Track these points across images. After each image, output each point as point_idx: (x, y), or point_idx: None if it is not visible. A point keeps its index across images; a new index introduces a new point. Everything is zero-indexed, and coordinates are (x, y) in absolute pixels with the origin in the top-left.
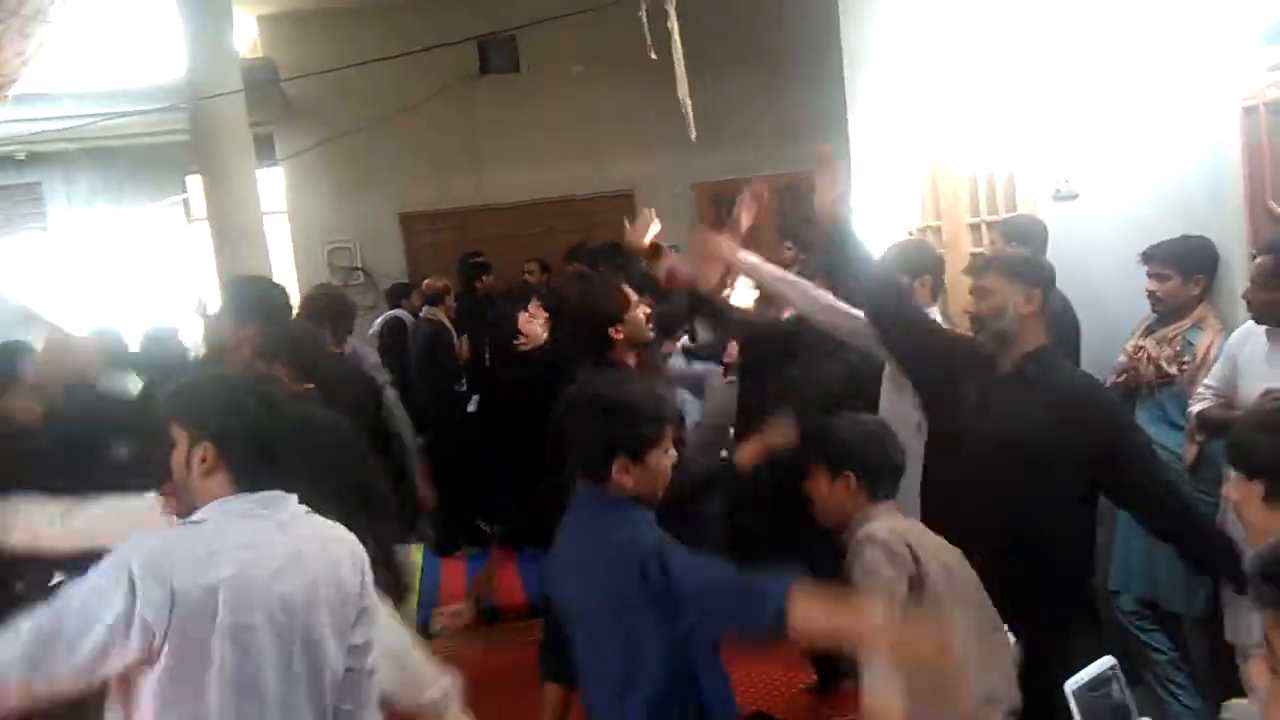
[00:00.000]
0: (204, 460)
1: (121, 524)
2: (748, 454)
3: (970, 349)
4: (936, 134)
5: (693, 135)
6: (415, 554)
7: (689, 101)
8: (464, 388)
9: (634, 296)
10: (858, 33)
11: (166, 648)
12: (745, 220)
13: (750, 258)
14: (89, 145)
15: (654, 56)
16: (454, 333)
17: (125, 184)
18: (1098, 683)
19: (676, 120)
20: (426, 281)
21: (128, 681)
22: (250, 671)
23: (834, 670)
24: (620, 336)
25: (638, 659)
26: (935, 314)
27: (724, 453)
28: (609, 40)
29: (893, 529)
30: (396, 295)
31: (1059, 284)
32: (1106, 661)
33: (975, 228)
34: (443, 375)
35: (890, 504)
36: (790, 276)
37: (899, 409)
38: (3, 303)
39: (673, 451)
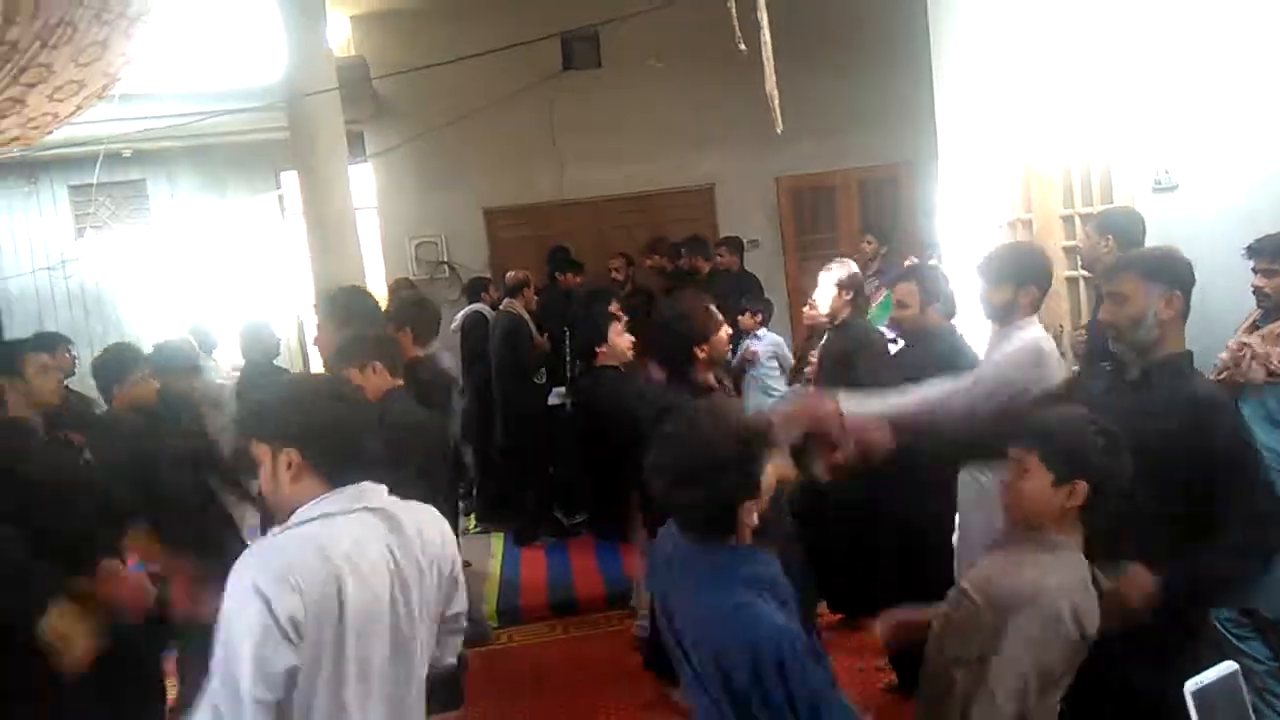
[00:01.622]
0: (289, 466)
1: None
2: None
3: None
4: (1029, 123)
5: (779, 128)
6: (495, 543)
7: (776, 94)
8: (543, 380)
9: (720, 318)
10: (946, 20)
11: (305, 644)
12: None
13: (861, 408)
14: (190, 143)
15: (743, 48)
16: (532, 325)
17: (224, 180)
18: (1218, 686)
19: (758, 113)
20: (508, 274)
21: None
22: (366, 655)
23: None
24: (704, 356)
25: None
26: (1034, 325)
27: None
28: (691, 34)
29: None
30: (475, 289)
31: None
32: (1228, 666)
33: (1069, 220)
34: (521, 367)
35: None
36: (912, 401)
37: None
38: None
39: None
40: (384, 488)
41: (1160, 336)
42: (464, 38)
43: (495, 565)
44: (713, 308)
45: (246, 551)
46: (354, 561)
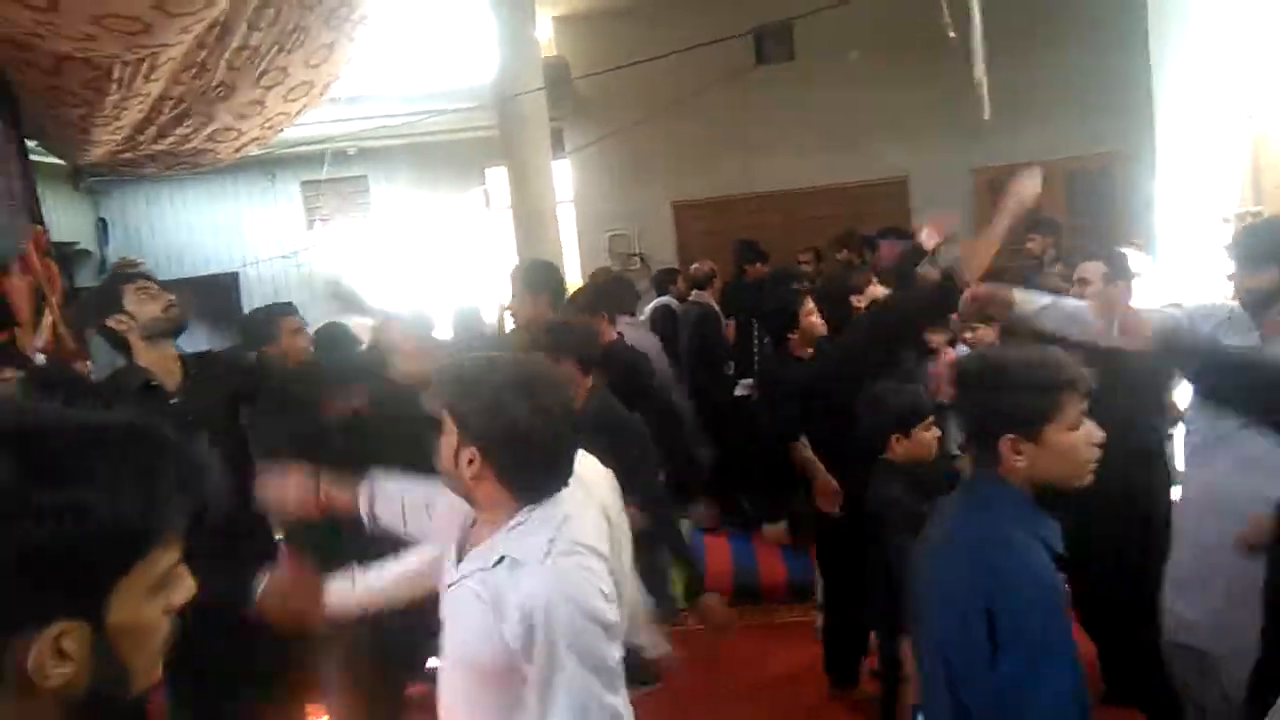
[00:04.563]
0: (471, 463)
1: (401, 587)
2: None
3: None
4: (1260, 106)
5: (987, 115)
6: (682, 529)
7: (985, 81)
8: (731, 370)
9: (873, 277)
10: None
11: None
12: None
13: (1030, 303)
14: (407, 142)
15: (952, 35)
16: (721, 316)
17: (436, 176)
18: None
19: (954, 103)
20: (694, 266)
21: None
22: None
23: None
24: (861, 306)
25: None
26: None
27: None
28: (885, 24)
29: None
30: (663, 281)
31: None
32: None
33: None
34: (711, 357)
35: None
36: (1070, 308)
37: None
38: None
39: (1085, 426)
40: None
41: None
42: (659, 35)
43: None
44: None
45: (531, 581)
46: (610, 565)
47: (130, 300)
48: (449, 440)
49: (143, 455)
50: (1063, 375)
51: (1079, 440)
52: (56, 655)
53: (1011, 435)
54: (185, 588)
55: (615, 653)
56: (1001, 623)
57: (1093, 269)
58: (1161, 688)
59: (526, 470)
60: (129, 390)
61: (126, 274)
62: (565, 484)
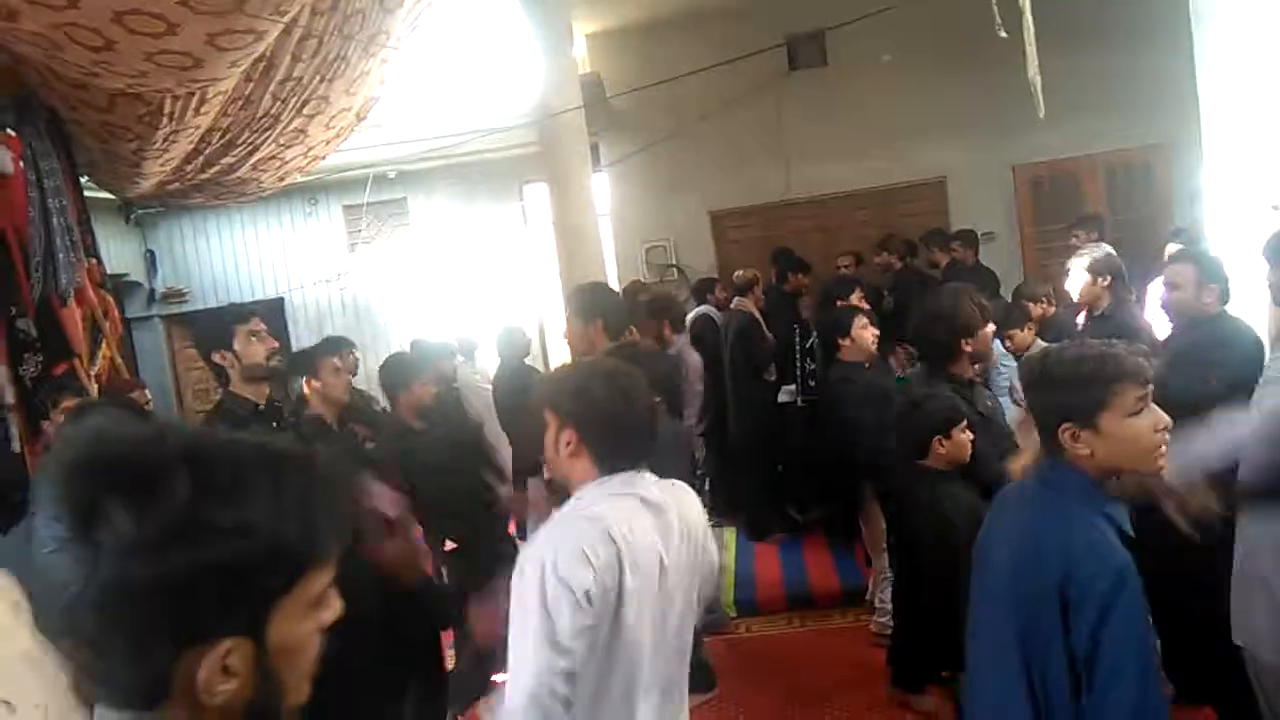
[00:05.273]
0: (569, 444)
1: None
2: None
3: None
4: None
5: (1041, 114)
6: (728, 537)
7: (1039, 79)
8: (773, 377)
9: (989, 313)
10: None
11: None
12: None
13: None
14: (446, 162)
15: (1004, 34)
16: (763, 323)
17: (474, 194)
18: None
19: (992, 101)
20: (736, 274)
21: None
22: (637, 638)
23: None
24: (969, 350)
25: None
26: None
27: None
28: (918, 25)
29: None
30: (702, 291)
31: None
32: None
33: None
34: (753, 364)
35: None
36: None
37: None
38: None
39: (1149, 413)
40: (653, 478)
41: None
42: (692, 48)
43: (729, 559)
44: (984, 301)
45: (539, 534)
46: (630, 544)
47: (239, 341)
48: (551, 433)
49: (304, 479)
50: (1110, 368)
51: (1141, 427)
52: (223, 671)
53: (1068, 425)
54: (334, 608)
55: (580, 618)
56: (1070, 596)
57: (1181, 272)
58: (1237, 686)
59: (610, 440)
60: (242, 415)
61: (242, 313)
62: (642, 463)
